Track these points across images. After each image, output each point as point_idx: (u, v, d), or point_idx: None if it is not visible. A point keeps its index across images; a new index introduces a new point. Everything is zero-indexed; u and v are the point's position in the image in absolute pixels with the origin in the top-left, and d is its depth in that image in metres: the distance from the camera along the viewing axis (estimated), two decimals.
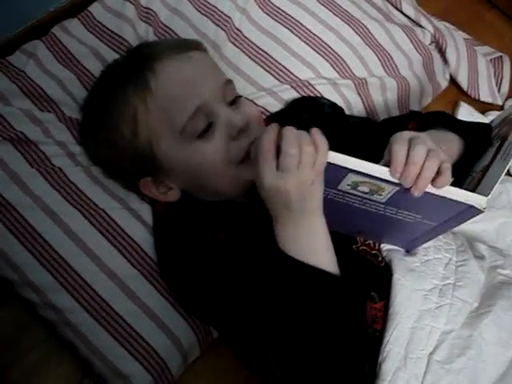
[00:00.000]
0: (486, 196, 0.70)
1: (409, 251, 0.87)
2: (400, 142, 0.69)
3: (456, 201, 0.69)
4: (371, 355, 0.79)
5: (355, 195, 0.73)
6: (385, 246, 0.87)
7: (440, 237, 0.86)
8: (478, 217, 0.88)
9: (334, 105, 1.08)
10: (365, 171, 0.67)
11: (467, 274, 0.83)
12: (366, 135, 1.01)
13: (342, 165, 0.67)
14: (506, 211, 1.02)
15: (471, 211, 0.71)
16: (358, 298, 0.77)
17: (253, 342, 0.77)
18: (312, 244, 0.72)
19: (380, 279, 0.83)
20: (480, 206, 0.70)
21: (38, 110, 1.04)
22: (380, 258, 0.86)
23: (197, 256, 0.82)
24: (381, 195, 0.71)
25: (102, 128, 0.88)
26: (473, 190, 0.75)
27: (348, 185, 0.71)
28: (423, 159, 0.68)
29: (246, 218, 0.87)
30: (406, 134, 0.71)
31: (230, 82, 0.89)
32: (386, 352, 0.78)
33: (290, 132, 0.69)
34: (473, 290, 0.82)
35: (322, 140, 0.69)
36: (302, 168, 0.68)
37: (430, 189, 0.69)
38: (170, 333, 0.91)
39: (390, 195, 0.71)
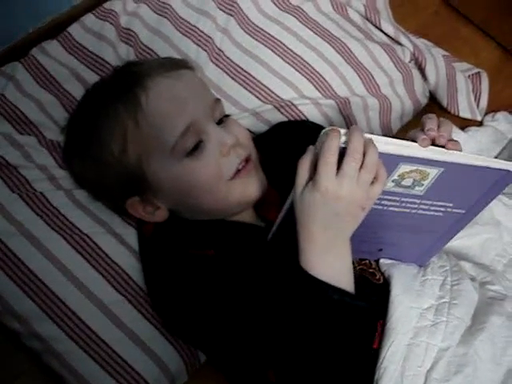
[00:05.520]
0: None
1: (422, 265, 0.87)
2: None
3: (496, 168, 0.72)
4: (368, 373, 0.79)
5: (394, 194, 0.73)
6: (385, 261, 0.87)
7: (435, 259, 0.87)
8: (462, 233, 0.90)
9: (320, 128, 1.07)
10: (419, 155, 0.69)
11: (462, 293, 0.84)
12: None
13: (397, 153, 0.68)
14: (489, 227, 1.03)
15: (507, 178, 0.74)
16: (373, 321, 0.77)
17: (249, 361, 0.77)
18: (340, 272, 0.72)
19: (378, 297, 0.83)
20: None
21: (18, 134, 1.03)
22: (378, 276, 0.86)
23: (187, 277, 0.82)
24: (422, 185, 0.72)
25: (89, 146, 0.87)
26: None
27: (393, 180, 0.71)
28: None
29: (234, 236, 0.87)
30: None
31: (218, 100, 0.90)
32: (382, 369, 0.78)
33: (359, 137, 0.68)
34: (468, 308, 0.83)
35: (383, 170, 0.68)
36: (360, 183, 0.68)
37: (473, 160, 0.71)
38: (157, 358, 0.90)
39: (431, 183, 0.72)
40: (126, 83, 0.85)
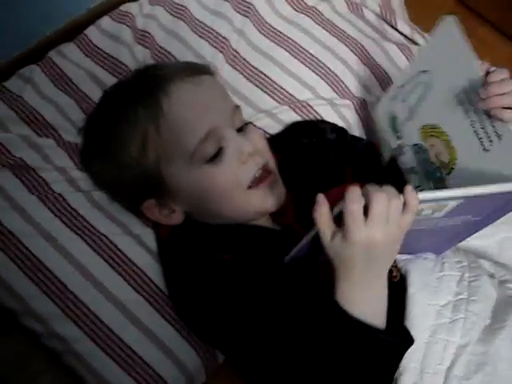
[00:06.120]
0: None
1: (438, 254, 0.87)
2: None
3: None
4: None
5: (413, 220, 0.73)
6: (401, 257, 0.87)
7: (451, 254, 0.87)
8: (480, 232, 0.89)
9: (335, 128, 1.07)
10: (439, 197, 0.68)
11: (480, 289, 0.84)
12: (372, 161, 1.02)
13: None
14: (507, 226, 1.02)
15: None
16: (402, 353, 0.76)
17: (267, 366, 0.77)
18: (376, 308, 0.72)
19: (394, 295, 0.83)
20: None
21: (37, 136, 1.04)
22: (394, 273, 0.86)
23: (205, 279, 0.82)
24: (440, 212, 0.71)
25: (108, 148, 0.87)
26: None
27: None
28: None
29: (251, 240, 0.88)
30: None
31: (238, 107, 0.90)
32: (401, 366, 0.78)
33: (374, 187, 0.67)
34: (486, 304, 0.83)
35: (413, 198, 0.67)
36: (391, 221, 0.66)
37: (493, 188, 0.70)
38: (176, 359, 0.90)
39: (450, 209, 0.71)
40: (147, 87, 0.85)
